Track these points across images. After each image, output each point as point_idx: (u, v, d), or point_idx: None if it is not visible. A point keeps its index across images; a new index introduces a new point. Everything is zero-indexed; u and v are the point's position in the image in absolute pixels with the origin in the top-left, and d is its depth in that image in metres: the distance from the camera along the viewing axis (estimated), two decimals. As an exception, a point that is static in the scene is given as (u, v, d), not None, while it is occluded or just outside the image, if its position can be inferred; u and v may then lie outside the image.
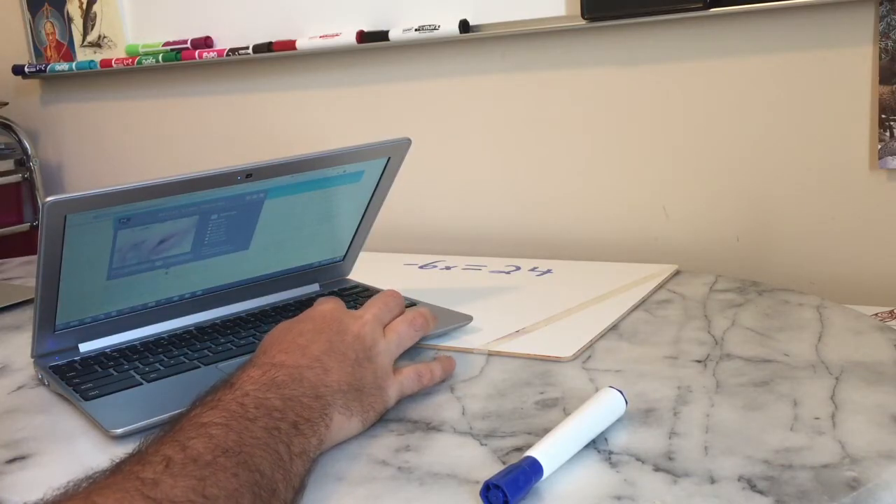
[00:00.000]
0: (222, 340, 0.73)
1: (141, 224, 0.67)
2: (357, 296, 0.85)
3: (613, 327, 0.75)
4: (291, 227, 0.79)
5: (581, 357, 0.68)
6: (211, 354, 0.70)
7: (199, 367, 0.68)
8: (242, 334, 0.74)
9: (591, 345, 0.71)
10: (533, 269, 0.96)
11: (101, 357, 0.70)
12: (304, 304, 0.82)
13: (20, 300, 0.96)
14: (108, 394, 0.64)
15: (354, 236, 0.87)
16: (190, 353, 0.71)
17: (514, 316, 0.79)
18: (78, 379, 0.66)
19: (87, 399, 0.63)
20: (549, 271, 0.95)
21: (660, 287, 0.86)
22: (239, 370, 0.54)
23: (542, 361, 0.68)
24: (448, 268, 1.00)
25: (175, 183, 0.65)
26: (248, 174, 0.69)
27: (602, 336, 0.73)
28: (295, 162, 0.73)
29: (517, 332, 0.75)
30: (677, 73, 1.00)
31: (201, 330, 0.76)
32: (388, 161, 0.80)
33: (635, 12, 0.96)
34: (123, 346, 0.73)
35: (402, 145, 0.79)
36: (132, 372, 0.67)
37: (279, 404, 0.50)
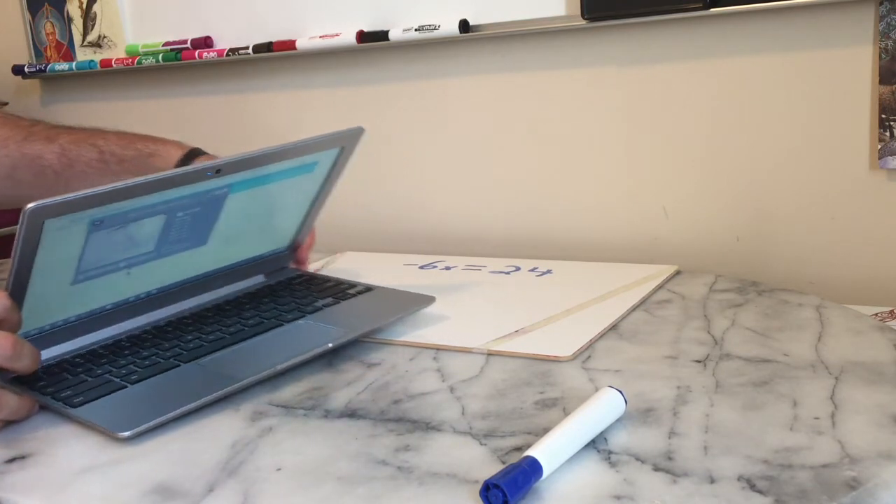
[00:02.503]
0: (189, 338, 0.72)
1: (112, 226, 0.66)
2: (302, 285, 0.85)
3: (613, 327, 0.75)
4: (246, 221, 0.79)
5: (581, 357, 0.68)
6: (185, 352, 0.70)
7: (178, 364, 0.68)
8: (206, 329, 0.74)
9: (590, 345, 0.71)
10: (533, 270, 0.96)
11: (65, 364, 0.68)
12: (253, 296, 0.82)
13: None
14: (93, 399, 0.63)
15: (302, 226, 0.87)
16: (160, 352, 0.70)
17: (513, 316, 0.79)
18: (52, 388, 0.64)
19: (73, 406, 0.62)
20: (549, 272, 0.95)
21: (659, 287, 0.86)
22: None
23: (542, 361, 0.68)
24: (448, 268, 1.00)
25: (149, 183, 0.65)
26: (217, 170, 0.70)
27: (601, 336, 0.73)
28: (260, 156, 0.73)
29: (516, 331, 0.75)
30: (677, 73, 1.00)
31: (159, 329, 0.75)
32: (340, 151, 0.81)
33: (635, 12, 0.96)
34: (83, 350, 0.71)
35: (356, 134, 0.80)
36: (108, 376, 0.66)
37: None
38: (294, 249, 0.89)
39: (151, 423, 0.59)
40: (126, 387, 0.65)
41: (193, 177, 0.69)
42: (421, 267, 1.02)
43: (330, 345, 0.71)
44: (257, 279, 0.86)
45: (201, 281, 0.80)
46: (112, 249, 0.68)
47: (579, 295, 0.84)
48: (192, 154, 0.88)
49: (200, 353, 0.69)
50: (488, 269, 0.98)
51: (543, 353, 0.69)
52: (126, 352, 0.71)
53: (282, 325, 0.75)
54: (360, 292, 0.83)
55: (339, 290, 0.84)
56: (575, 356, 0.69)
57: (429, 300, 0.79)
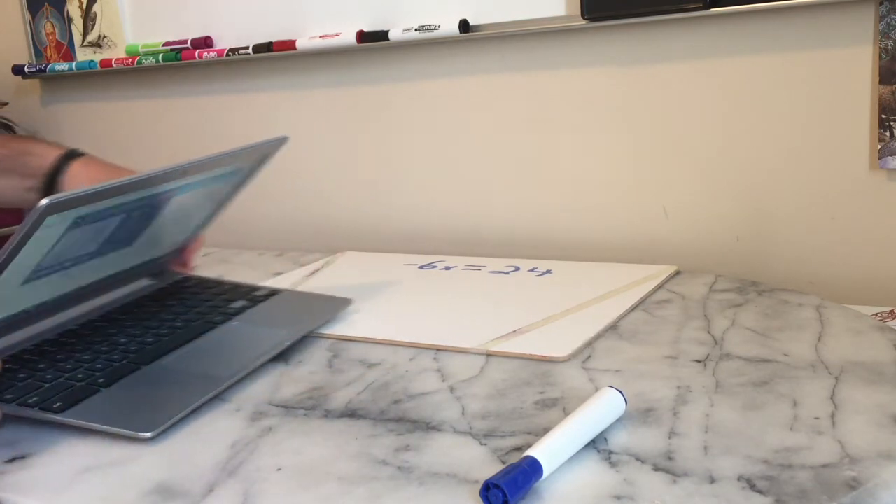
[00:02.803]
0: (122, 340, 0.72)
1: (86, 223, 0.65)
2: (198, 288, 0.85)
3: (613, 327, 0.75)
4: (168, 224, 0.79)
5: (581, 357, 0.68)
6: (132, 353, 0.69)
7: (139, 366, 0.67)
8: (132, 332, 0.74)
9: (587, 345, 0.71)
10: (532, 270, 0.96)
11: None
12: (153, 298, 0.82)
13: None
14: (74, 403, 0.61)
15: (198, 230, 0.87)
16: (102, 354, 0.69)
17: (511, 316, 0.79)
18: (8, 394, 0.63)
19: (56, 412, 0.60)
20: (548, 272, 0.95)
21: (659, 287, 0.86)
22: None
23: (542, 361, 0.68)
24: (448, 268, 1.00)
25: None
26: (185, 171, 0.70)
27: (599, 337, 0.73)
28: (214, 160, 0.73)
29: (514, 332, 0.75)
30: (677, 73, 1.00)
31: (74, 332, 0.74)
32: (262, 159, 0.83)
33: (635, 12, 0.96)
34: (7, 353, 0.69)
35: (280, 143, 0.82)
36: (63, 379, 0.65)
37: None
38: (181, 252, 0.88)
39: (172, 421, 0.59)
40: (99, 390, 0.63)
41: (172, 175, 0.69)
42: (420, 267, 1.02)
43: (288, 343, 0.73)
44: (143, 283, 0.85)
45: (103, 283, 0.79)
46: (72, 248, 0.67)
47: (578, 295, 0.84)
48: (71, 155, 0.84)
49: (156, 355, 0.69)
50: (488, 269, 0.98)
51: (540, 354, 0.69)
52: (59, 354, 0.69)
53: (215, 327, 0.75)
54: (268, 295, 0.84)
55: (247, 293, 0.84)
56: (571, 357, 0.69)
57: (345, 302, 0.82)
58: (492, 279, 0.94)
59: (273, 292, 0.85)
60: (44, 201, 0.56)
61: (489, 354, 0.71)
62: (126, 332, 0.74)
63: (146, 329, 0.74)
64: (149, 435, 0.58)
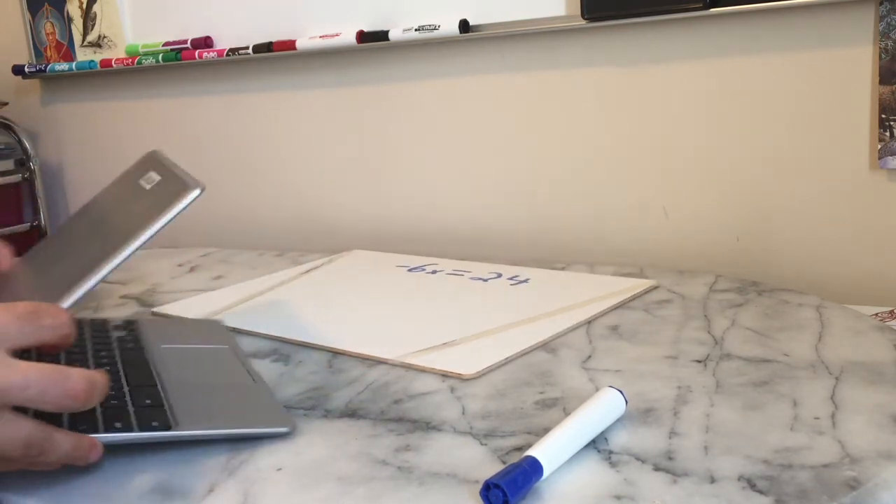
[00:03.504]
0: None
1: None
2: None
3: (614, 327, 0.75)
4: None
5: (581, 357, 0.68)
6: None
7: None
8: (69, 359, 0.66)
9: (499, 366, 0.68)
10: (512, 278, 0.94)
11: None
12: None
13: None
14: (150, 421, 0.56)
15: None
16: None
17: (455, 326, 0.78)
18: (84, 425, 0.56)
19: (169, 429, 0.55)
20: (525, 281, 0.93)
21: (622, 304, 0.83)
22: None
23: (541, 361, 0.68)
24: (435, 272, 1.00)
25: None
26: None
27: (516, 358, 0.70)
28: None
29: (444, 343, 0.73)
30: (677, 73, 1.00)
31: None
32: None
33: (635, 12, 0.96)
34: None
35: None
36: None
37: None
38: None
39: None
40: (163, 403, 0.59)
41: None
42: (410, 269, 1.02)
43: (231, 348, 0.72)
44: None
45: None
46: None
47: (537, 307, 0.82)
48: None
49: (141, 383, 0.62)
50: (471, 274, 0.97)
51: (448, 370, 0.67)
52: None
53: (140, 350, 0.69)
54: (131, 323, 0.76)
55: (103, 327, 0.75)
56: (478, 375, 0.66)
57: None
58: (469, 285, 0.93)
59: (127, 322, 0.76)
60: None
61: (402, 366, 0.69)
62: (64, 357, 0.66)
63: (71, 356, 0.66)
64: (286, 430, 0.58)
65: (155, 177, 0.66)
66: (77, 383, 0.47)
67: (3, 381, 0.44)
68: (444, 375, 0.67)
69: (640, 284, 0.88)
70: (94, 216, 0.68)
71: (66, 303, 0.55)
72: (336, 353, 0.74)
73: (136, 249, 0.58)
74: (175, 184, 0.62)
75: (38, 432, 0.47)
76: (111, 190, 0.71)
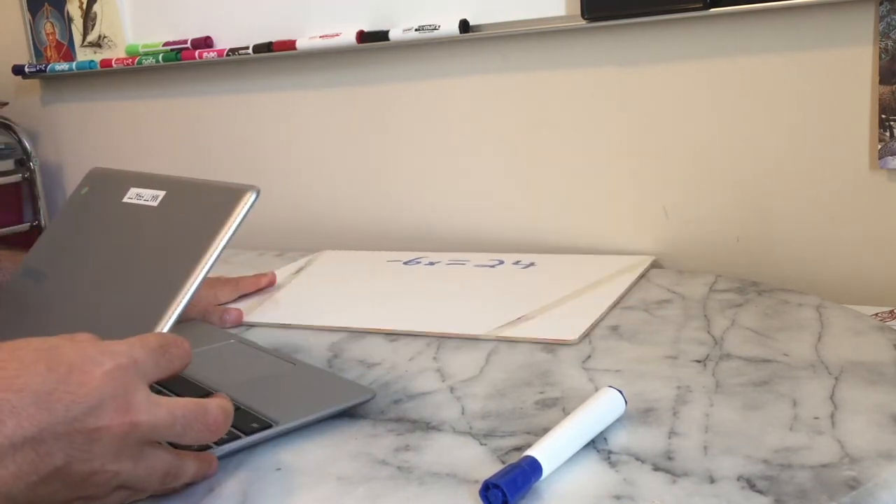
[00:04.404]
0: None
1: None
2: None
3: (614, 328, 0.75)
4: None
5: (581, 357, 0.68)
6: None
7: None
8: None
9: (594, 327, 0.74)
10: (516, 263, 0.97)
11: None
12: None
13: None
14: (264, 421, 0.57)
15: None
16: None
17: (512, 304, 0.80)
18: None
19: (274, 424, 0.56)
20: (532, 264, 0.96)
21: (643, 276, 0.89)
22: None
23: (543, 358, 0.68)
24: (432, 263, 1.00)
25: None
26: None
27: (603, 318, 0.76)
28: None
29: (519, 318, 0.76)
30: (677, 73, 1.00)
31: None
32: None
33: (635, 12, 0.96)
34: None
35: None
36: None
37: None
38: None
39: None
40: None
41: None
42: (405, 263, 1.02)
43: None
44: None
45: None
46: None
47: (568, 284, 0.86)
48: None
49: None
50: (472, 263, 0.99)
51: (551, 338, 0.71)
52: None
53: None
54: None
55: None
56: (581, 339, 0.71)
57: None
58: (479, 272, 0.95)
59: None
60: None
61: (498, 340, 0.72)
62: None
63: None
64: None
65: (146, 192, 0.64)
66: (217, 416, 0.47)
67: (152, 420, 0.44)
68: (546, 343, 0.71)
69: (643, 261, 0.94)
70: (101, 247, 0.64)
71: (165, 328, 0.53)
72: (418, 336, 0.75)
73: (215, 261, 0.55)
74: (222, 192, 0.59)
75: (174, 460, 0.48)
76: (84, 218, 0.67)
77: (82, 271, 0.63)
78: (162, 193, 0.63)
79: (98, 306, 0.60)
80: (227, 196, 0.58)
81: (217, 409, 0.48)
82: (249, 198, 0.57)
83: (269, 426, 0.56)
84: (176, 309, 0.53)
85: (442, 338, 0.75)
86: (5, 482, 0.41)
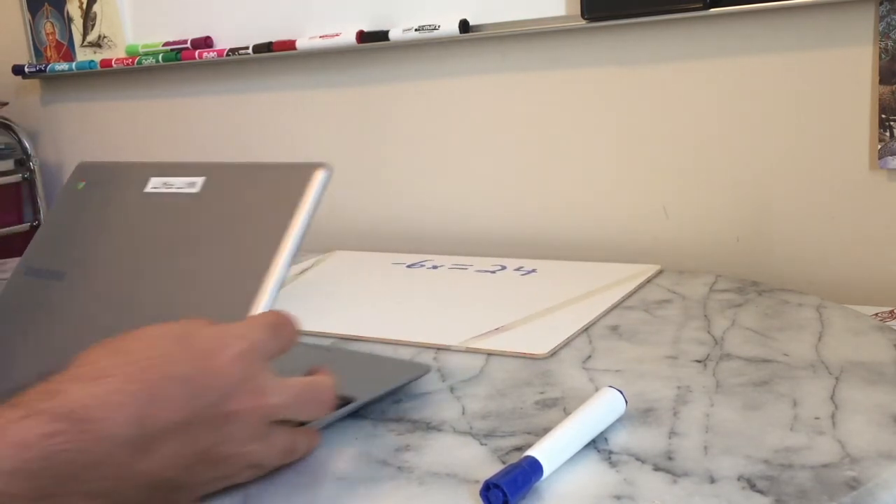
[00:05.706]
0: None
1: None
2: None
3: (614, 328, 0.75)
4: None
5: (581, 357, 0.68)
6: None
7: None
8: None
9: (567, 343, 0.71)
10: (518, 269, 0.97)
11: None
12: None
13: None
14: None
15: None
16: None
17: (494, 313, 0.79)
18: None
19: (344, 403, 0.56)
20: (533, 271, 0.95)
21: (641, 287, 0.87)
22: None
23: (543, 361, 0.68)
24: (435, 267, 1.01)
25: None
26: None
27: (577, 336, 0.73)
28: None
29: (496, 329, 0.75)
30: (677, 73, 1.00)
31: None
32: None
33: (635, 12, 0.96)
34: None
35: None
36: None
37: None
38: None
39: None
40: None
41: None
42: (408, 266, 1.02)
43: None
44: None
45: None
46: None
47: (561, 294, 0.85)
48: None
49: None
50: (474, 267, 0.99)
51: (520, 351, 0.69)
52: None
53: None
54: None
55: None
56: (551, 354, 0.69)
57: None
58: (478, 278, 0.94)
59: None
60: None
61: (468, 351, 0.71)
62: None
63: None
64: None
65: (175, 180, 0.61)
66: (329, 392, 0.49)
67: (279, 401, 0.46)
68: (516, 357, 0.69)
69: (648, 269, 0.92)
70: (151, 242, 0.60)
71: (262, 309, 0.52)
72: (391, 343, 0.74)
73: (301, 238, 0.53)
74: (286, 170, 0.56)
75: (291, 437, 0.49)
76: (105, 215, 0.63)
77: (119, 265, 0.60)
78: (200, 180, 0.60)
79: (164, 297, 0.57)
80: (296, 174, 0.55)
81: (328, 385, 0.50)
82: (320, 175, 0.54)
83: (349, 402, 0.57)
84: (270, 289, 0.52)
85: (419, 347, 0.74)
86: (163, 466, 0.42)
